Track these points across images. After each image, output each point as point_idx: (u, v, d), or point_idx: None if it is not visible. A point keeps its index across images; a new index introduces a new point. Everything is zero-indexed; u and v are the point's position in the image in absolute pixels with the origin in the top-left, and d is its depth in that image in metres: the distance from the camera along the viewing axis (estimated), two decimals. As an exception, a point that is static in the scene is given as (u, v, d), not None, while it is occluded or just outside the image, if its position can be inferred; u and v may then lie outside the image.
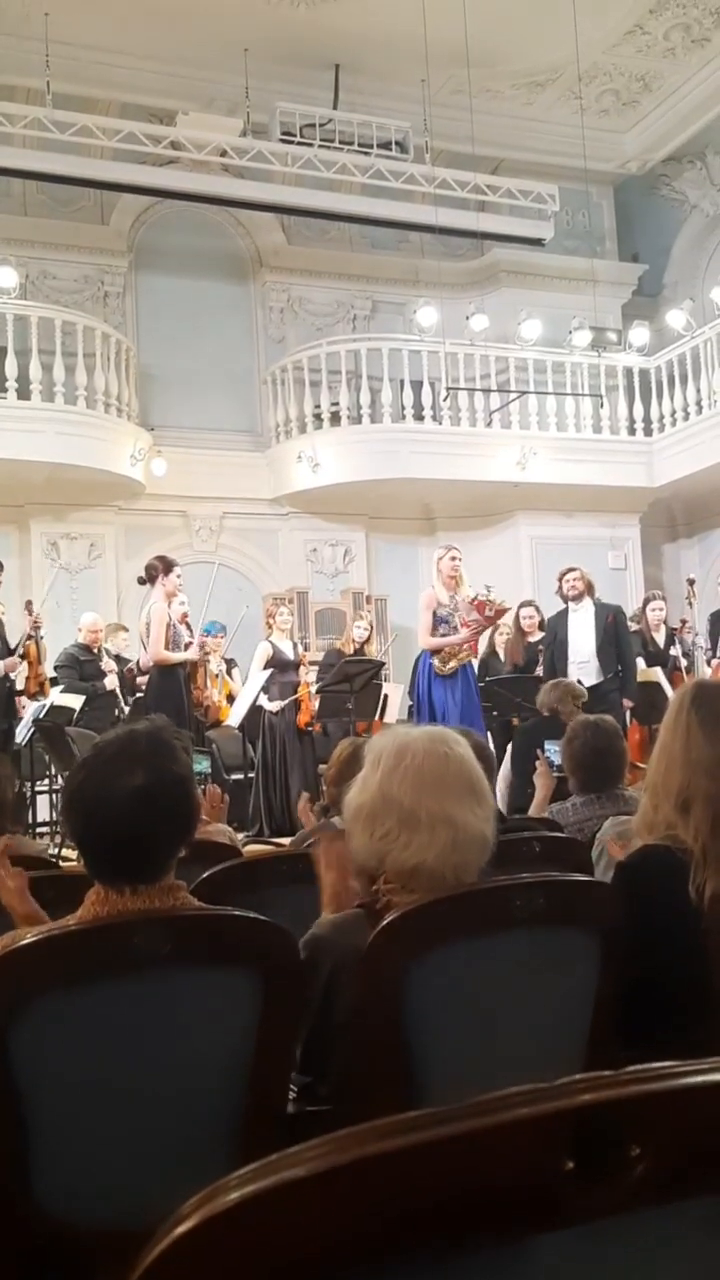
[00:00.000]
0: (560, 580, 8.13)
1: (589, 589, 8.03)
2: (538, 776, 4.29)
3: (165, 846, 1.71)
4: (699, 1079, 0.60)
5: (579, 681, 7.51)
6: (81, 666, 8.46)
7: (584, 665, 7.78)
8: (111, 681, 8.39)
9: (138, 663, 8.09)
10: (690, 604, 9.48)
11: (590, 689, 7.34)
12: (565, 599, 8.05)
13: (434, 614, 7.58)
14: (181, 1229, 0.55)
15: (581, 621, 7.92)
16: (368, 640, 9.27)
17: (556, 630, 8.12)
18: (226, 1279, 0.55)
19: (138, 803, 1.65)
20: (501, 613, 7.75)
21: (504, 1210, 0.56)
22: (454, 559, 7.67)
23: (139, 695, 7.84)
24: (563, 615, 8.08)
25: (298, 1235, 0.54)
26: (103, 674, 8.43)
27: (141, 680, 8.00)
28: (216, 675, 9.04)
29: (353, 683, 7.98)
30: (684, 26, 11.06)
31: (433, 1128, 0.55)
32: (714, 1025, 1.82)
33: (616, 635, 7.92)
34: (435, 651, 7.58)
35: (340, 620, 11.14)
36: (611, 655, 7.81)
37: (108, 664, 8.43)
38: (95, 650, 8.60)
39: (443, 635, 7.56)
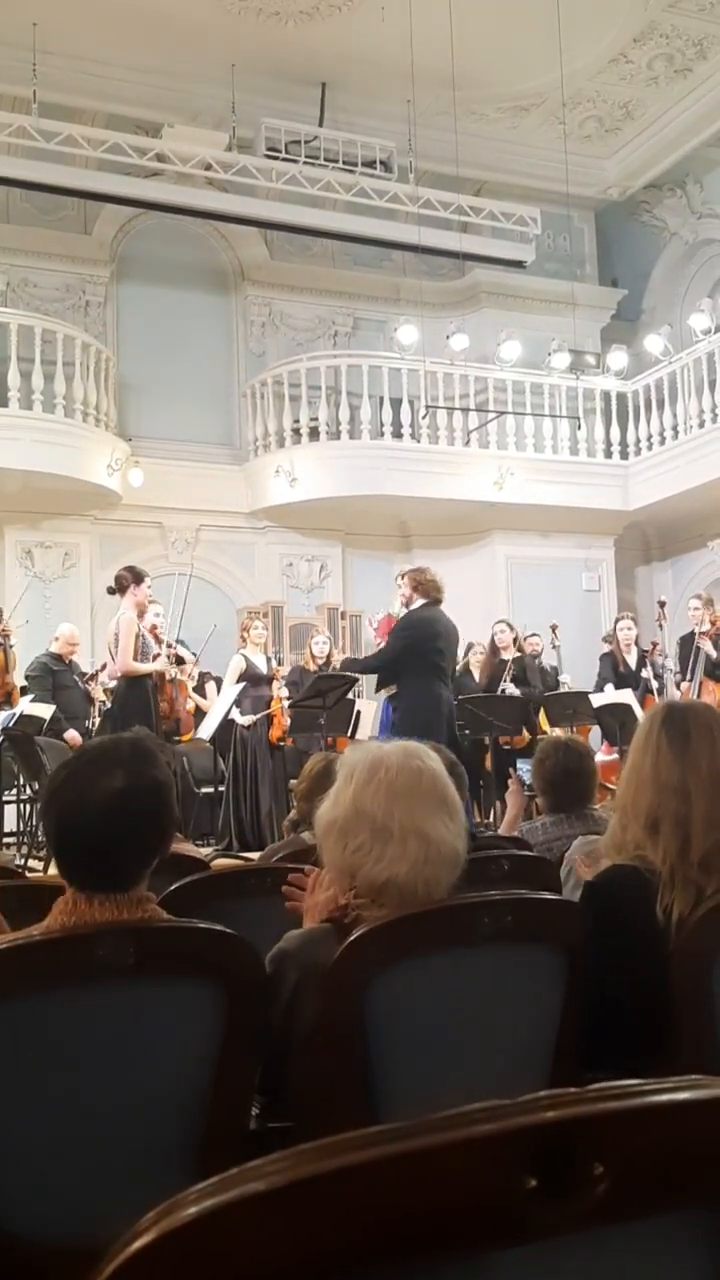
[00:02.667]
0: None
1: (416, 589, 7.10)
2: (510, 795, 4.29)
3: (140, 852, 1.70)
4: (663, 1097, 0.60)
5: None
6: (54, 676, 8.41)
7: None
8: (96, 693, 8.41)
9: (99, 672, 8.10)
10: (660, 626, 9.54)
11: None
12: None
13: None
14: (138, 1244, 0.54)
15: None
16: (329, 656, 9.26)
17: None
18: (183, 1295, 0.54)
19: (115, 805, 1.64)
20: None
21: (466, 1227, 0.56)
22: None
23: (108, 707, 7.81)
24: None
25: (257, 1251, 0.53)
26: (74, 684, 8.40)
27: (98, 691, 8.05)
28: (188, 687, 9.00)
29: (326, 698, 7.95)
30: (667, 56, 11.20)
31: (395, 1143, 0.55)
32: (678, 1046, 1.82)
33: None
34: None
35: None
36: None
37: (96, 690, 8.39)
38: (68, 662, 8.55)
39: None
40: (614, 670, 9.08)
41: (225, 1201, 0.53)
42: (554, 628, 10.15)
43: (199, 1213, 0.53)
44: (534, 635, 9.84)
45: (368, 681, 10.63)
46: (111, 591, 7.47)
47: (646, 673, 8.83)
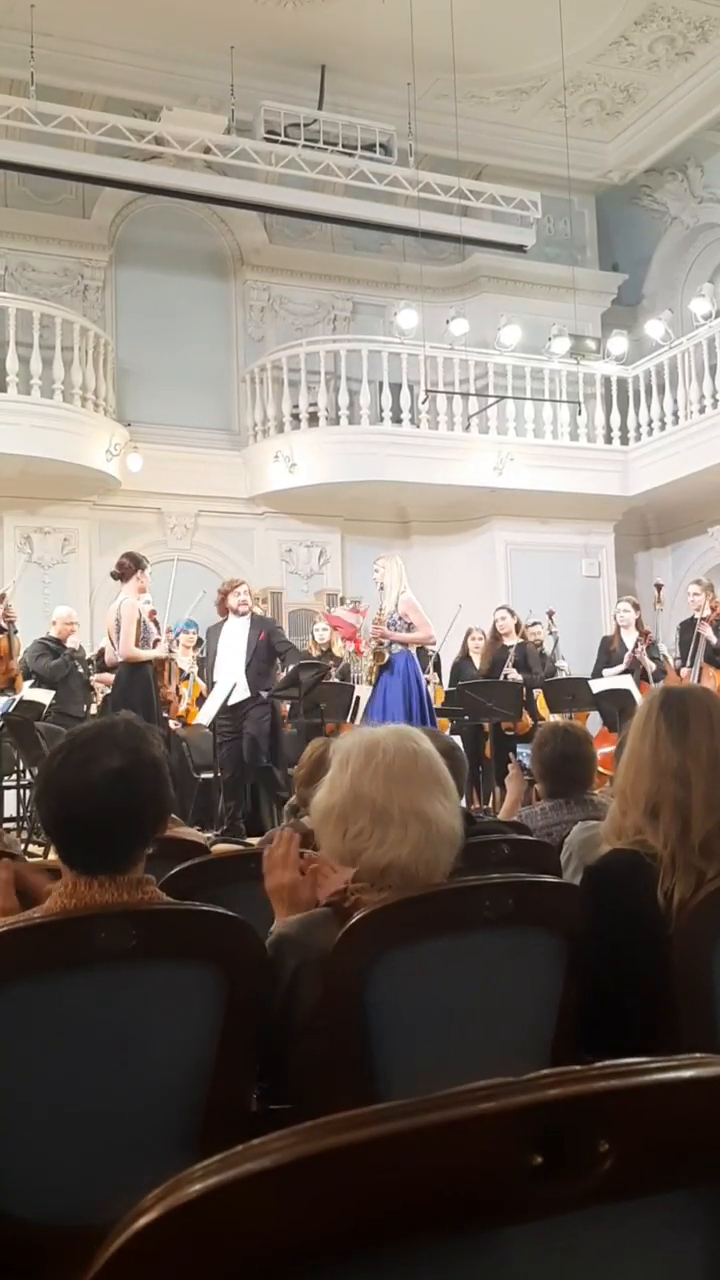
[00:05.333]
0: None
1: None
2: (510, 780, 4.30)
3: (140, 830, 1.70)
4: (668, 1075, 0.60)
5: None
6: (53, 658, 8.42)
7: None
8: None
9: (100, 658, 8.10)
10: (657, 609, 9.54)
11: (234, 707, 7.53)
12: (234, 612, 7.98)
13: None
14: (143, 1221, 0.54)
15: (234, 634, 7.91)
16: (329, 644, 9.24)
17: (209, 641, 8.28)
18: (188, 1272, 0.54)
19: (116, 783, 1.65)
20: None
21: (471, 1203, 0.56)
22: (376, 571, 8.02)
23: (109, 693, 7.81)
24: (217, 627, 8.13)
25: (262, 1228, 0.53)
26: (72, 668, 8.40)
27: (99, 676, 8.04)
28: (187, 676, 9.00)
29: (301, 686, 7.90)
30: (668, 39, 11.13)
31: (399, 1120, 0.55)
32: (678, 1030, 1.83)
33: (270, 650, 7.93)
34: None
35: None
36: (260, 673, 7.78)
37: (97, 679, 8.39)
38: (66, 645, 8.55)
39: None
40: (606, 653, 9.14)
41: (229, 1179, 0.53)
42: (550, 614, 10.15)
43: (203, 1190, 0.53)
44: (535, 624, 9.85)
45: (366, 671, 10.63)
46: (116, 577, 7.48)
47: (637, 651, 8.83)
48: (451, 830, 1.75)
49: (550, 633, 10.11)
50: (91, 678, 8.47)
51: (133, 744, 1.69)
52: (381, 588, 7.91)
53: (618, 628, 9.17)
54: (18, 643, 8.21)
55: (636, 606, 9.37)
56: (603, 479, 12.04)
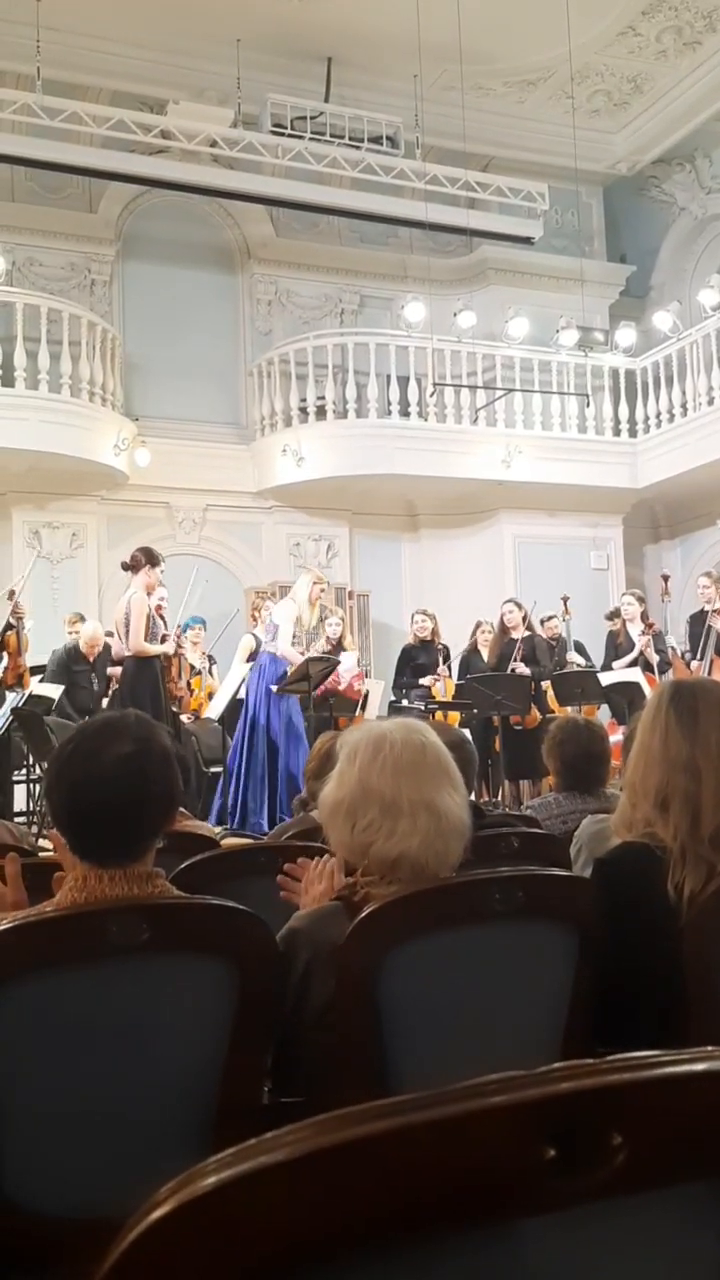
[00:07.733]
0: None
1: None
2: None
3: (152, 819, 1.71)
4: (680, 1068, 0.60)
5: None
6: (71, 674, 8.33)
7: None
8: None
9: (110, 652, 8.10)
10: (664, 601, 9.51)
11: None
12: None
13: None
14: (156, 1215, 0.54)
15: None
16: (340, 638, 9.24)
17: None
18: (202, 1266, 0.54)
19: (128, 770, 1.66)
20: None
21: (485, 1196, 0.56)
22: (321, 589, 8.01)
23: (117, 688, 7.82)
24: None
25: (276, 1221, 0.54)
26: (89, 684, 8.37)
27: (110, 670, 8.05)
28: (198, 672, 9.01)
29: (312, 680, 7.89)
30: (675, 29, 11.09)
31: (413, 1113, 0.55)
32: (689, 1023, 1.83)
33: None
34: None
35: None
36: None
37: (110, 673, 8.37)
38: (90, 660, 8.51)
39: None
40: (613, 647, 9.15)
41: (244, 1171, 0.54)
42: (565, 600, 10.09)
43: (218, 1183, 0.53)
44: (552, 618, 9.79)
45: (375, 663, 10.66)
46: (126, 568, 7.48)
47: (642, 641, 8.82)
48: (460, 822, 1.76)
49: (564, 619, 10.06)
50: (108, 669, 8.45)
51: (143, 733, 1.70)
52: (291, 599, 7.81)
53: (623, 621, 9.17)
54: (26, 639, 8.21)
55: (641, 599, 9.35)
56: (611, 471, 12.01)
